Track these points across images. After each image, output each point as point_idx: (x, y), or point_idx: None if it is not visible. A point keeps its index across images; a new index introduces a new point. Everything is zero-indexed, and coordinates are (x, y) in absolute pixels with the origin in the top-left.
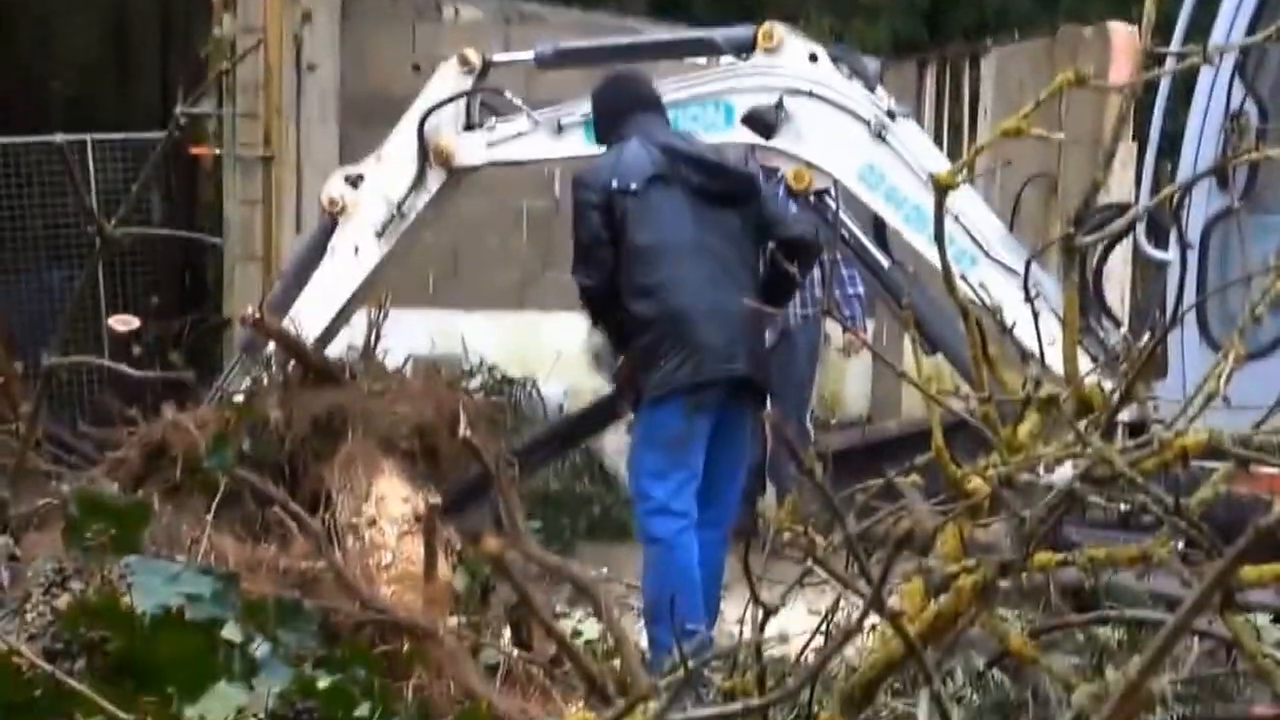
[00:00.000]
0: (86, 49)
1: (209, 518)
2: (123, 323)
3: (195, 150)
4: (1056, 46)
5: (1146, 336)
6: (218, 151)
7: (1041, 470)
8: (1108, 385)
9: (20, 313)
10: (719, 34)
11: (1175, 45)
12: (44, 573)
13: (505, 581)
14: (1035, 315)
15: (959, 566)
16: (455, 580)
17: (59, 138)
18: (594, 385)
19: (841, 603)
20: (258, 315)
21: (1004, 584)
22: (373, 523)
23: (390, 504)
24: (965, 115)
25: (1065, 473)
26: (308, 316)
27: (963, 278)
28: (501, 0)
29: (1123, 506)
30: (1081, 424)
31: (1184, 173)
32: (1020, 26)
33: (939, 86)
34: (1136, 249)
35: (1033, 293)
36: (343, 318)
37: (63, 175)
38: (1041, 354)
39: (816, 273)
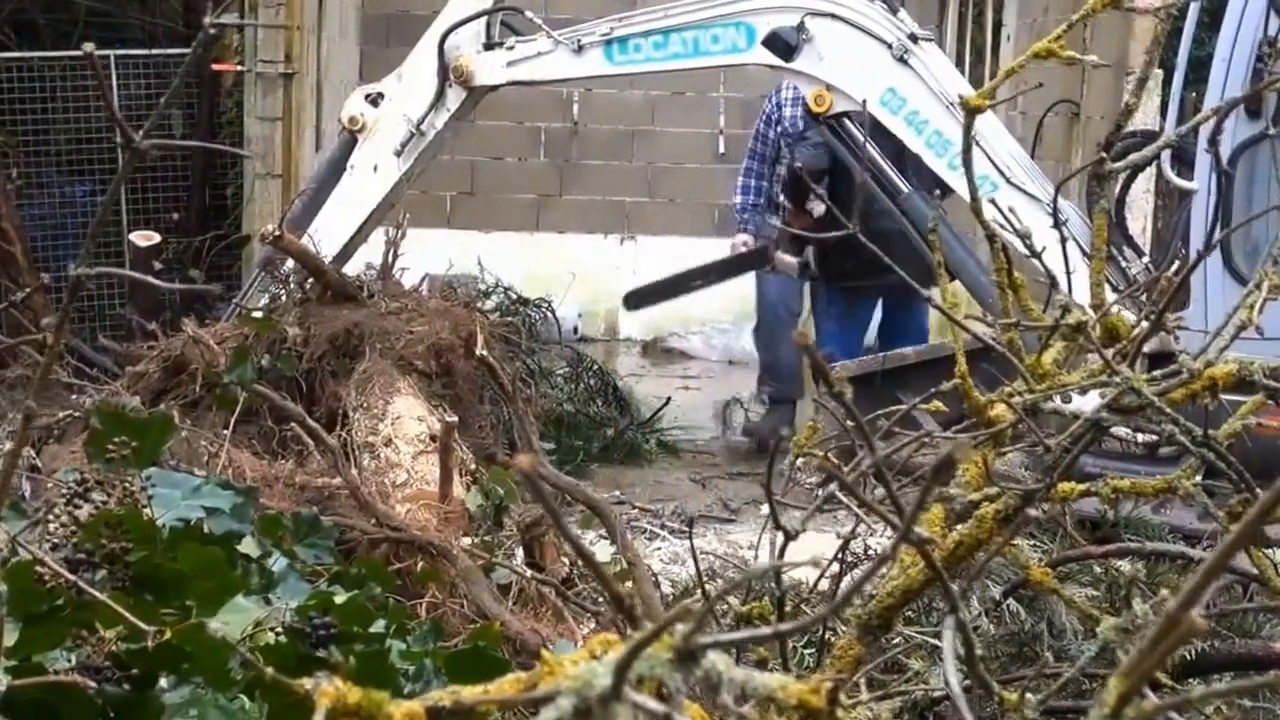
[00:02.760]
0: None
1: (227, 432)
2: (144, 238)
3: (217, 66)
4: None
5: (1175, 265)
6: (240, 67)
7: (1058, 399)
8: (1129, 316)
9: (44, 227)
10: None
11: None
12: (66, 483)
13: (535, 500)
14: (1063, 241)
15: (981, 494)
16: (469, 500)
17: (88, 48)
18: (608, 306)
19: (858, 529)
20: (278, 232)
21: (1030, 513)
22: (388, 442)
23: (406, 423)
24: (988, 40)
25: (1086, 401)
26: (326, 233)
27: (991, 202)
28: None
29: (1141, 438)
30: (1109, 352)
31: (1211, 100)
32: None
33: (961, 10)
34: (1160, 178)
35: (1054, 213)
36: (361, 235)
37: (86, 90)
38: (1069, 281)
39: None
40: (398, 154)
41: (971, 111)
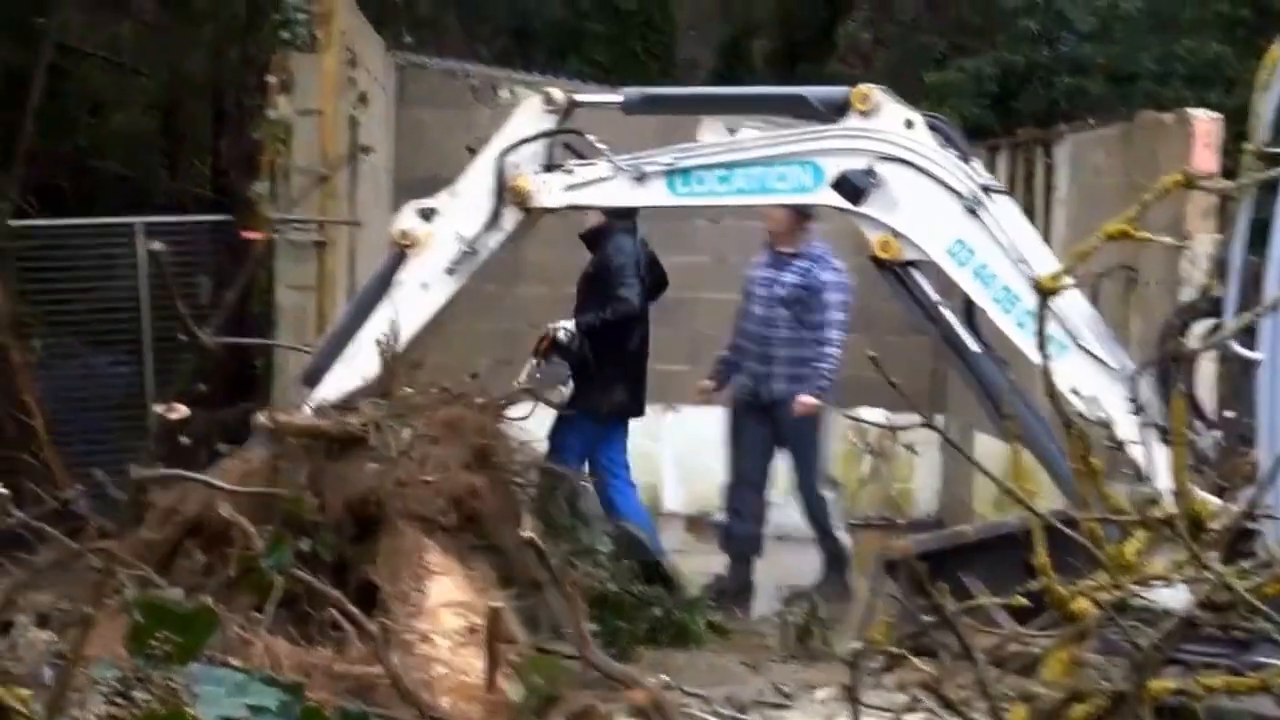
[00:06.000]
0: (137, 129)
1: (262, 616)
2: (173, 410)
3: (247, 234)
4: (1135, 133)
5: (1246, 444)
6: (271, 235)
7: (1147, 595)
8: (1212, 500)
9: (66, 399)
10: (811, 92)
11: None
12: (106, 680)
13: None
14: (1155, 429)
15: (1068, 694)
16: (513, 691)
17: (157, 246)
18: (650, 480)
19: None
20: (273, 422)
21: None
22: (426, 638)
23: (443, 616)
24: (1040, 203)
25: (1172, 595)
26: (368, 353)
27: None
28: (561, 82)
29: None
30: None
31: (1274, 266)
32: (1092, 111)
33: (1011, 172)
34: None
35: (1134, 397)
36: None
37: (111, 258)
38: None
39: (784, 332)
40: (449, 272)
41: (1045, 293)
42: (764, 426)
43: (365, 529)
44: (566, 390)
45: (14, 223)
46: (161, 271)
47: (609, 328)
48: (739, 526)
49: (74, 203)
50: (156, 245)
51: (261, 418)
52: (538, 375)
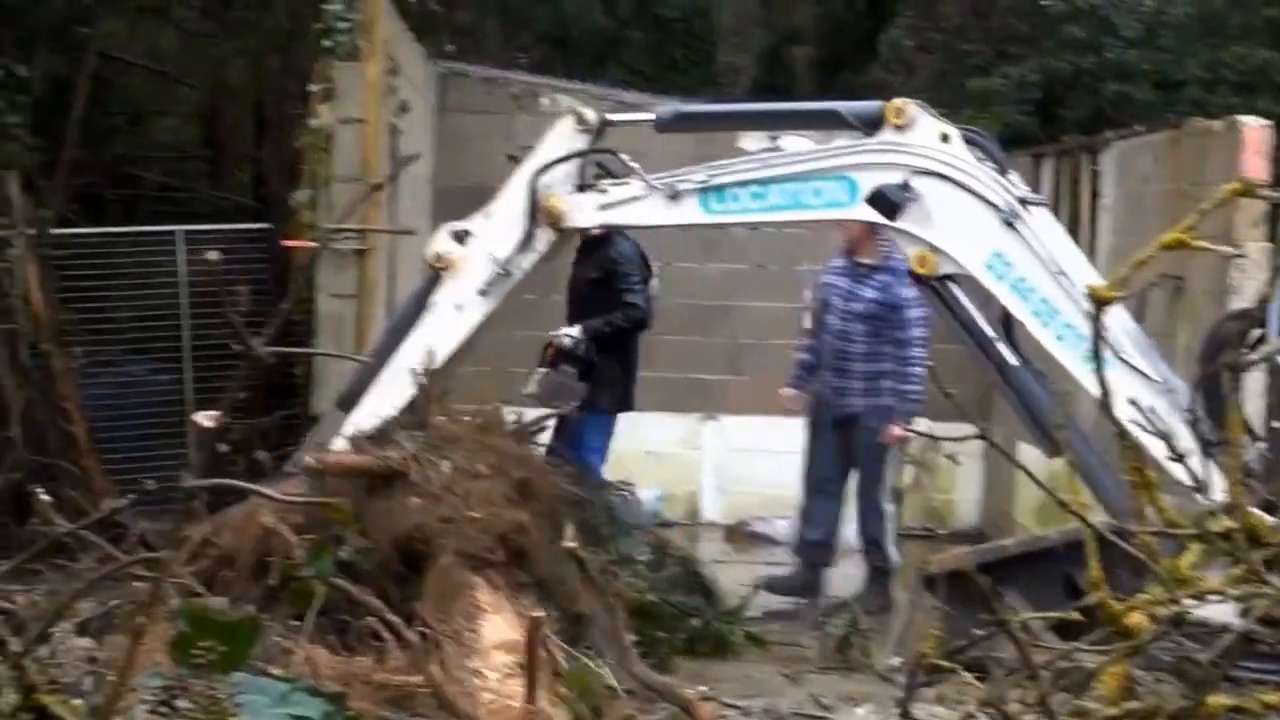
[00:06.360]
0: (179, 138)
1: (304, 624)
2: (209, 418)
3: (289, 242)
4: (1183, 141)
5: None
6: (313, 244)
7: (1204, 610)
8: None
9: (106, 406)
10: (845, 107)
11: None
12: (150, 689)
13: None
14: (1206, 444)
15: (1123, 710)
16: (558, 715)
17: (213, 255)
18: (689, 489)
19: None
20: (318, 465)
21: None
22: (478, 673)
23: (494, 656)
24: (1085, 210)
25: (1226, 609)
26: (402, 380)
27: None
28: (601, 90)
29: None
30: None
31: None
32: (1137, 118)
33: (1057, 180)
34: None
35: (1183, 407)
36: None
37: (151, 266)
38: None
39: (861, 346)
40: (483, 294)
41: (1100, 303)
42: (840, 437)
43: (412, 566)
44: (579, 391)
45: (56, 231)
46: (212, 280)
47: (618, 332)
48: (811, 534)
49: (115, 211)
50: (212, 254)
51: (307, 459)
52: (555, 386)
